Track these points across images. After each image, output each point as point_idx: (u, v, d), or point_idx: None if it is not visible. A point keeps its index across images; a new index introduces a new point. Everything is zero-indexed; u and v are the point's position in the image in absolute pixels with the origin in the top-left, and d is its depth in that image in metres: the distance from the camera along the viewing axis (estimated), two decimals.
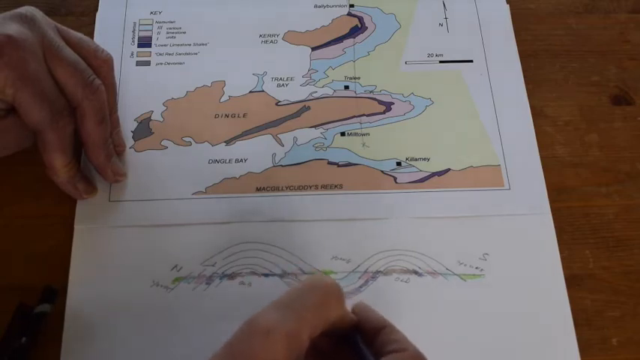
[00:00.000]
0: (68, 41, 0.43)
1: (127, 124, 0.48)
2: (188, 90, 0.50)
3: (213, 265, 0.43)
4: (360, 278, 0.44)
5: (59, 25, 0.43)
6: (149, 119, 0.48)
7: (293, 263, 0.44)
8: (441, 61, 0.52)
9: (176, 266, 0.43)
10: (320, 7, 0.54)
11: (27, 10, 0.42)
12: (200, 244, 0.44)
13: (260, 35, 0.52)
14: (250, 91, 0.50)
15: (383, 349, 0.32)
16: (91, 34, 0.50)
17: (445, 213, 0.46)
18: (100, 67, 0.44)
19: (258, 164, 0.47)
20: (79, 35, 0.44)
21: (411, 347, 0.32)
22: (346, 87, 0.50)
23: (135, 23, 0.52)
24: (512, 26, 0.53)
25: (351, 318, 0.33)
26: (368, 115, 0.49)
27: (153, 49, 0.51)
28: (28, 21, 0.41)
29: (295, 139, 0.48)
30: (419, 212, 0.46)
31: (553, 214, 0.46)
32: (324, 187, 0.46)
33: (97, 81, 0.42)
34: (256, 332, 0.29)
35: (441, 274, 0.44)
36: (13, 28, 0.40)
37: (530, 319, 0.43)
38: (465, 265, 0.44)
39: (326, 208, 0.46)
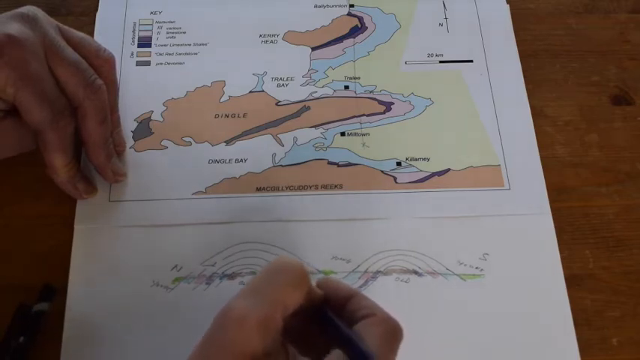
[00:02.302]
0: (70, 41, 0.43)
1: (127, 124, 0.48)
2: (188, 90, 0.50)
3: (213, 265, 0.44)
4: (360, 278, 0.44)
5: (61, 25, 0.43)
6: (149, 119, 0.48)
7: None
8: (441, 61, 0.52)
9: (176, 266, 0.43)
10: (320, 7, 0.54)
11: (28, 9, 0.42)
12: (200, 244, 0.44)
13: (260, 35, 0.52)
14: (250, 91, 0.50)
15: (353, 316, 0.32)
16: (91, 34, 0.50)
17: (445, 213, 0.46)
18: (102, 66, 0.44)
19: (258, 164, 0.47)
20: (81, 35, 0.44)
21: (381, 311, 0.32)
22: (346, 87, 0.50)
23: (135, 23, 0.52)
24: (512, 26, 0.53)
25: (318, 293, 0.33)
26: (368, 115, 0.49)
27: (153, 49, 0.51)
28: (29, 20, 0.41)
29: (295, 139, 0.48)
30: (419, 212, 0.46)
31: (553, 214, 0.46)
32: (324, 187, 0.46)
33: (99, 81, 0.42)
34: (230, 321, 0.29)
35: (441, 274, 0.44)
36: (15, 28, 0.40)
37: (530, 319, 0.43)
38: (465, 265, 0.44)
39: (326, 208, 0.46)
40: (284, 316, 0.30)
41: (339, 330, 0.32)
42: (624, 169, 0.48)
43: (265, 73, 0.51)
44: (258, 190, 0.46)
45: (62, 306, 0.42)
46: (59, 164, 0.42)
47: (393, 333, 0.32)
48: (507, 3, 0.54)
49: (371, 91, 0.50)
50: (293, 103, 0.50)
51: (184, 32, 0.52)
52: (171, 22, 0.52)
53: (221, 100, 0.49)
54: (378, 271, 0.44)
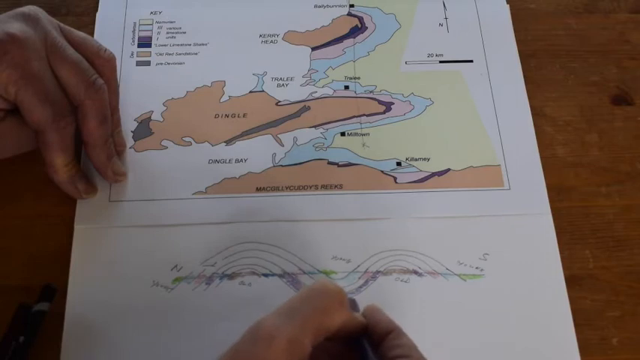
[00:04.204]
0: (71, 40, 0.43)
1: (127, 124, 0.48)
2: (188, 90, 0.50)
3: (213, 265, 0.43)
4: (360, 278, 0.44)
5: (62, 25, 0.43)
6: (149, 119, 0.48)
7: (293, 263, 0.44)
8: (441, 61, 0.52)
9: (176, 266, 0.43)
10: (320, 7, 0.54)
11: (30, 9, 0.42)
12: (200, 244, 0.44)
13: (260, 35, 0.52)
14: (250, 91, 0.50)
15: (388, 353, 0.32)
16: (91, 34, 0.50)
17: (445, 213, 0.46)
18: (103, 66, 0.44)
19: (258, 164, 0.47)
20: (82, 34, 0.44)
21: (416, 354, 0.32)
22: (346, 87, 0.50)
23: (135, 23, 0.52)
24: (512, 26, 0.53)
25: (360, 321, 0.33)
26: (368, 115, 0.49)
27: (153, 49, 0.51)
28: (31, 20, 0.41)
29: (295, 139, 0.48)
30: (419, 212, 0.46)
31: (553, 214, 0.46)
32: (324, 187, 0.46)
33: (100, 80, 0.42)
34: (260, 338, 0.30)
35: (441, 274, 0.44)
36: (16, 27, 0.40)
37: (530, 319, 0.43)
38: (465, 265, 0.44)
39: (326, 208, 0.46)
40: (315, 343, 0.30)
41: None
42: (624, 169, 0.48)
43: (265, 73, 0.51)
44: (258, 190, 0.46)
45: (62, 306, 0.42)
46: (59, 163, 0.42)
47: None
48: (507, 3, 0.54)
49: (371, 91, 0.50)
50: (293, 103, 0.50)
51: (184, 32, 0.52)
52: (171, 22, 0.52)
53: (221, 100, 0.49)
54: (378, 271, 0.44)
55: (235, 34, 0.52)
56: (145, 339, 0.41)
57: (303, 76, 0.51)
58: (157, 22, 0.52)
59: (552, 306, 0.43)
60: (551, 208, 0.46)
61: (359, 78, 0.51)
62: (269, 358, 0.29)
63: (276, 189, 0.46)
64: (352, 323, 0.33)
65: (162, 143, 0.47)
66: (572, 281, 0.44)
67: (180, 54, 0.51)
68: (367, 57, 0.52)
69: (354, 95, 0.50)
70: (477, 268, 0.44)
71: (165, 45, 0.51)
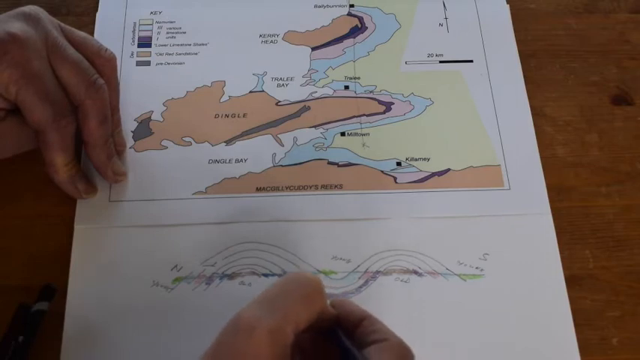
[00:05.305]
0: (72, 40, 0.43)
1: (127, 124, 0.48)
2: (188, 90, 0.50)
3: (213, 265, 0.43)
4: (360, 278, 0.44)
5: (63, 24, 0.43)
6: (149, 119, 0.48)
7: (293, 263, 0.44)
8: (441, 61, 0.52)
9: (176, 266, 0.43)
10: (320, 7, 0.54)
11: (31, 9, 0.42)
12: (200, 244, 0.44)
13: (260, 35, 0.52)
14: (250, 91, 0.50)
15: (364, 339, 0.32)
16: (91, 34, 0.50)
17: (445, 213, 0.46)
18: (103, 66, 0.44)
19: (258, 164, 0.47)
20: (83, 34, 0.44)
21: (393, 336, 0.32)
22: (346, 87, 0.50)
23: (135, 23, 0.52)
24: (512, 26, 0.53)
25: (331, 313, 0.33)
26: (368, 115, 0.49)
27: (153, 49, 0.51)
28: (32, 19, 0.41)
29: (295, 139, 0.48)
30: (419, 212, 0.46)
31: (553, 214, 0.46)
32: (324, 187, 0.46)
33: (100, 80, 0.42)
34: (241, 329, 0.29)
35: (441, 274, 0.44)
36: (17, 27, 0.40)
37: (530, 319, 0.43)
38: (465, 265, 0.44)
39: (326, 208, 0.46)
40: (296, 331, 0.30)
41: (349, 353, 0.32)
42: (624, 169, 0.48)
43: (265, 73, 0.51)
44: (258, 190, 0.46)
45: (62, 306, 0.42)
46: (60, 163, 0.42)
47: (404, 359, 0.31)
48: (507, 3, 0.54)
49: (371, 91, 0.50)
50: (293, 103, 0.50)
51: (184, 32, 0.52)
52: (171, 22, 0.52)
53: (221, 100, 0.49)
54: (378, 271, 0.44)
55: (235, 34, 0.52)
56: (145, 339, 0.41)
57: (303, 76, 0.51)
58: (156, 22, 0.52)
59: (552, 306, 0.43)
60: (551, 208, 0.46)
61: (359, 78, 0.51)
62: (250, 350, 0.29)
63: (276, 189, 0.46)
64: (326, 314, 0.33)
65: (162, 143, 0.47)
66: (572, 281, 0.44)
67: (180, 54, 0.51)
68: (367, 57, 0.52)
69: (354, 95, 0.50)
70: (477, 268, 0.44)
71: (165, 45, 0.51)
